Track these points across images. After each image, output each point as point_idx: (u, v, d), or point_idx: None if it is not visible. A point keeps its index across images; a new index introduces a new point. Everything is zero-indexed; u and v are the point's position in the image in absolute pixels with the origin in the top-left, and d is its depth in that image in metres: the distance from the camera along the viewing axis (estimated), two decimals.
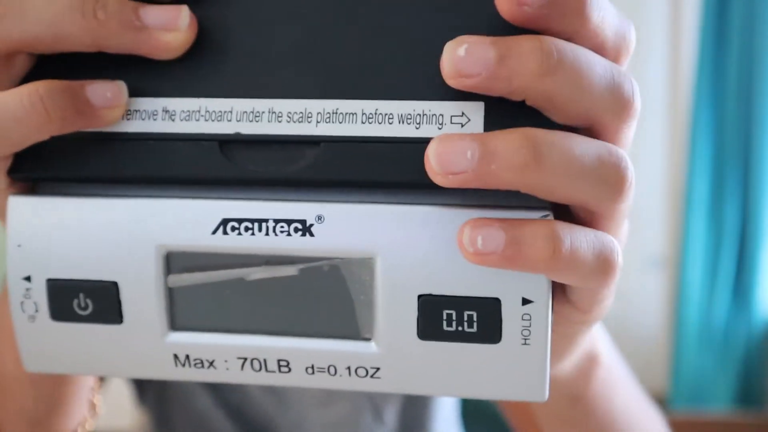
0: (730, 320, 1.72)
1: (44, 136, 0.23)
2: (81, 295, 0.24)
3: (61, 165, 0.23)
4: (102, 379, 0.45)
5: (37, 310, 0.24)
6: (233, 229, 0.23)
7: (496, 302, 0.22)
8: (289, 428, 0.64)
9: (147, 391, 0.65)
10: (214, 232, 0.23)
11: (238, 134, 0.23)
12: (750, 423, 1.55)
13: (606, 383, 0.37)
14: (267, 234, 0.23)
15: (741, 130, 1.69)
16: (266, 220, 0.23)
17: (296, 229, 0.23)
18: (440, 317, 0.23)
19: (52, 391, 0.38)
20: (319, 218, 0.23)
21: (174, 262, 0.24)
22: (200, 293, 0.24)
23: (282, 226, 0.23)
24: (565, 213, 0.24)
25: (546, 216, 0.22)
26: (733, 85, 1.69)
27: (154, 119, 0.23)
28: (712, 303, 1.72)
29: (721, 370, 1.72)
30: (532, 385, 0.23)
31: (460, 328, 0.23)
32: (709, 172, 1.74)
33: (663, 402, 1.83)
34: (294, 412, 0.63)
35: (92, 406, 0.44)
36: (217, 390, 0.64)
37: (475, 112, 0.22)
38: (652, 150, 1.93)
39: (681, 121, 1.89)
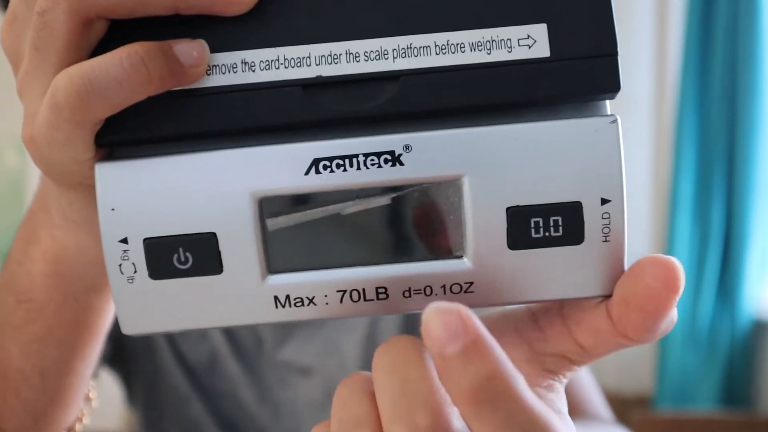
0: (716, 320, 1.73)
1: (142, 97, 0.23)
2: (180, 250, 0.25)
3: (147, 126, 0.24)
4: (94, 374, 0.46)
5: (135, 271, 0.25)
6: (325, 167, 0.24)
7: (577, 205, 0.24)
8: None
9: (137, 391, 0.64)
10: (307, 172, 0.24)
11: (319, 77, 0.24)
12: (735, 422, 1.56)
13: None
14: (358, 168, 0.24)
15: (726, 131, 1.71)
16: (356, 156, 0.24)
17: (386, 161, 0.24)
18: (528, 226, 0.24)
19: (59, 382, 0.38)
20: (407, 147, 0.24)
21: (268, 206, 0.25)
22: (295, 234, 0.25)
23: (372, 159, 0.24)
24: None
25: (613, 122, 0.24)
26: (718, 87, 1.71)
27: (234, 72, 0.24)
28: (698, 303, 1.73)
29: (707, 370, 1.73)
30: (612, 279, 0.25)
31: (546, 234, 0.24)
32: (694, 173, 1.75)
33: (648, 402, 1.84)
34: (288, 421, 0.63)
35: (87, 399, 0.44)
36: (209, 399, 0.63)
37: (540, 33, 0.24)
38: (637, 151, 1.94)
39: (666, 122, 1.90)
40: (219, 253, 0.25)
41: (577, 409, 0.55)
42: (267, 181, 0.24)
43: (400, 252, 0.25)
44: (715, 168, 1.72)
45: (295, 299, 0.25)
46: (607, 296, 0.25)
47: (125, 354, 0.63)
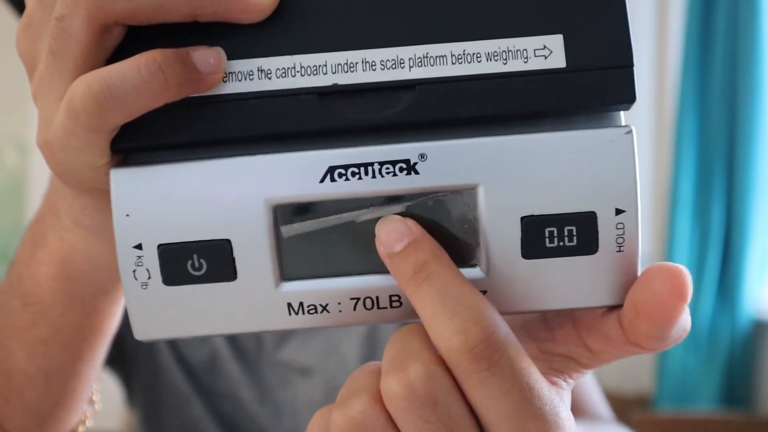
0: (716, 320, 1.73)
1: (159, 104, 0.23)
2: (195, 256, 0.25)
3: (163, 132, 0.24)
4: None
5: (149, 277, 0.25)
6: (340, 175, 0.24)
7: (592, 215, 0.24)
8: None
9: (137, 392, 0.64)
10: (322, 180, 0.24)
11: (335, 85, 0.24)
12: (735, 422, 1.56)
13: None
14: (373, 177, 0.24)
15: (725, 131, 1.71)
16: (371, 164, 0.24)
17: (401, 169, 0.24)
18: (543, 235, 0.24)
19: (63, 384, 0.38)
20: (422, 156, 0.24)
21: (283, 214, 0.25)
22: (309, 241, 0.25)
23: (387, 168, 0.24)
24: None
25: (628, 132, 0.24)
26: (718, 87, 1.71)
27: (251, 79, 0.24)
28: (698, 303, 1.73)
29: (707, 370, 1.73)
30: (624, 289, 0.25)
31: (561, 243, 0.24)
32: (694, 173, 1.75)
33: (649, 401, 1.84)
34: (289, 421, 0.63)
35: (91, 402, 0.44)
36: (210, 399, 0.63)
37: (556, 43, 0.24)
38: (638, 151, 1.94)
39: (666, 122, 1.90)
40: (233, 260, 0.25)
41: (577, 409, 0.55)
42: (282, 189, 0.24)
43: None
44: (715, 168, 1.72)
45: (308, 306, 0.25)
46: (620, 306, 0.25)
47: (125, 355, 0.63)
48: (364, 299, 0.25)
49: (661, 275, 0.23)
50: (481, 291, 0.25)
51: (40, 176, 2.11)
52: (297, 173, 0.24)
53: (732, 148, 1.70)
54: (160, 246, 0.25)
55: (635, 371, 1.88)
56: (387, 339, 0.73)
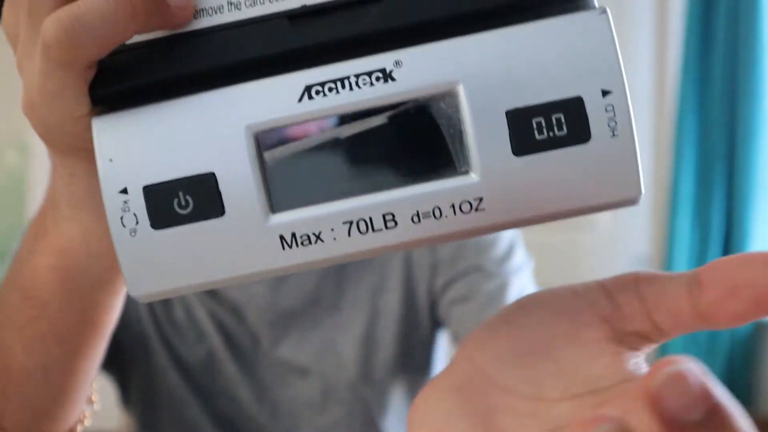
0: None
1: (128, 34, 0.24)
2: (180, 194, 0.24)
3: (140, 73, 0.25)
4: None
5: (137, 222, 0.24)
6: (317, 92, 0.24)
7: (578, 100, 0.23)
8: None
9: (132, 394, 0.64)
10: (300, 100, 0.24)
11: (304, 7, 0.24)
12: None
13: None
14: (351, 89, 0.24)
15: (726, 130, 1.71)
16: (347, 77, 0.24)
17: (378, 78, 0.24)
18: (531, 127, 0.24)
19: (62, 380, 0.38)
20: (397, 63, 0.24)
21: (265, 140, 0.25)
22: (295, 167, 0.25)
23: (364, 79, 0.24)
24: None
25: (603, 13, 0.24)
26: (718, 86, 1.71)
27: (221, 13, 0.25)
28: None
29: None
30: (628, 179, 0.24)
31: (551, 134, 0.24)
32: (694, 173, 1.75)
33: None
34: (286, 420, 0.63)
35: (89, 402, 0.44)
36: (207, 399, 0.63)
37: None
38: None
39: (667, 121, 1.90)
40: (219, 193, 0.24)
41: None
42: (261, 114, 0.24)
43: (403, 174, 0.25)
44: (715, 168, 1.72)
45: (301, 237, 0.25)
46: (628, 202, 0.24)
47: (121, 357, 0.63)
48: (357, 222, 0.24)
49: (762, 263, 0.23)
50: (476, 198, 0.24)
51: (40, 176, 2.11)
52: (275, 96, 0.24)
53: (732, 148, 1.70)
54: (145, 188, 0.24)
55: None
56: (385, 338, 0.73)
